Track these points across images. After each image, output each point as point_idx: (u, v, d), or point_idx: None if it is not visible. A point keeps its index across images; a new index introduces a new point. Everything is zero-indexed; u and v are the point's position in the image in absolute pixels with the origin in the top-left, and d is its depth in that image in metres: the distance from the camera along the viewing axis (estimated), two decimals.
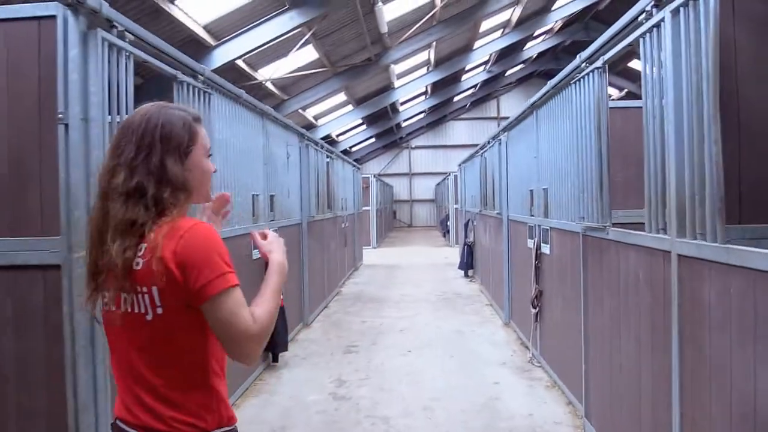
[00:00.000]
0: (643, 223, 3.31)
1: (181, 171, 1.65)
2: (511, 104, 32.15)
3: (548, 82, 5.60)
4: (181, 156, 1.66)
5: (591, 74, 4.16)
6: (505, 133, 8.65)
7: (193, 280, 1.52)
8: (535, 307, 6.51)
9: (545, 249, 6.22)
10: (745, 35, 2.93)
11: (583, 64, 4.42)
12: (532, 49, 24.85)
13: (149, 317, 1.55)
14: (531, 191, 7.01)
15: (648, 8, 3.14)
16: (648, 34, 3.15)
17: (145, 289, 1.54)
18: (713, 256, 2.54)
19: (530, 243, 6.91)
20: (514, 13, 18.30)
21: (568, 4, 19.46)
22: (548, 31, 23.11)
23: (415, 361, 6.79)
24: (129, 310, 1.57)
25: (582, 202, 4.47)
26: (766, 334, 2.23)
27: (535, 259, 6.51)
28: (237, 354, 1.57)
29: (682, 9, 2.78)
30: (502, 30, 20.36)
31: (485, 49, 21.07)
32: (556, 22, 21.33)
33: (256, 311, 1.60)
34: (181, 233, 1.55)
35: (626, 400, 3.70)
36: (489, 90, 31.48)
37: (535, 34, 22.13)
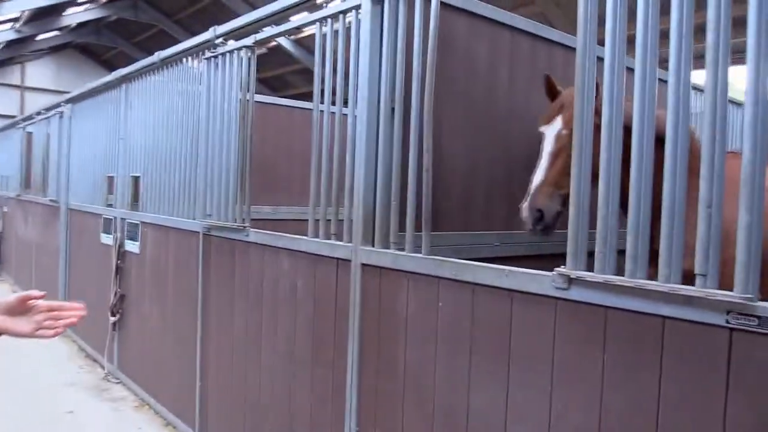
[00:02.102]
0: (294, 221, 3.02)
1: None
2: (38, 73, 28.05)
3: (156, 54, 4.81)
4: None
5: (235, 53, 3.65)
6: (69, 105, 7.26)
7: None
8: (114, 315, 5.57)
9: (132, 247, 5.36)
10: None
11: (219, 40, 3.89)
12: (73, 16, 22.19)
13: None
14: (111, 177, 6.00)
15: None
16: (341, 16, 2.87)
17: None
18: (417, 267, 2.42)
19: (106, 239, 5.90)
20: None
21: None
22: (94, 0, 21.01)
23: None
24: None
25: (209, 197, 3.92)
26: (479, 343, 2.20)
27: (117, 258, 5.58)
28: None
29: None
30: None
31: (18, 3, 17.74)
32: None
33: None
34: None
35: (271, 418, 3.35)
36: (13, 53, 26.78)
37: (79, 0, 19.80)
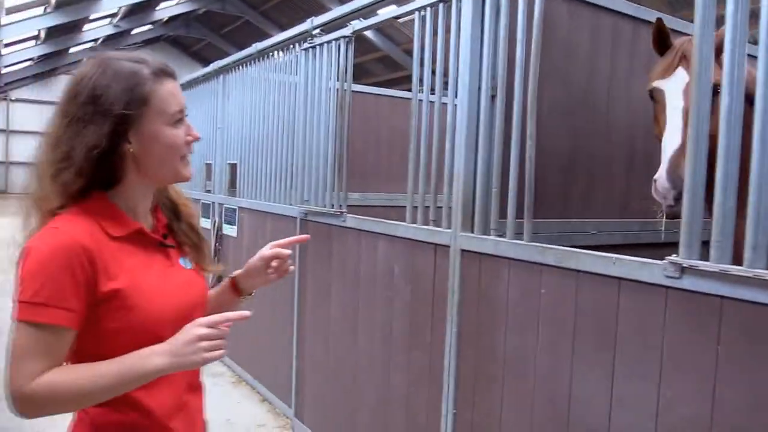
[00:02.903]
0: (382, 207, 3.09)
1: (90, 145, 1.33)
2: None
3: (254, 45, 5.00)
4: (112, 125, 1.35)
5: (333, 43, 3.76)
6: None
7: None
8: None
9: (230, 231, 5.64)
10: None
11: (316, 31, 4.00)
12: (165, 11, 23.22)
13: None
14: (209, 165, 6.31)
15: None
16: (441, 4, 2.90)
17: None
18: (518, 254, 2.44)
19: (205, 223, 6.22)
20: None
21: None
22: None
23: None
24: None
25: (306, 184, 4.07)
26: (583, 331, 2.21)
27: (216, 242, 5.87)
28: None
29: None
30: None
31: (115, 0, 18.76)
32: None
33: (49, 382, 1.26)
34: (34, 236, 1.35)
35: (366, 399, 3.47)
36: (111, 47, 28.37)
37: None
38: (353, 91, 3.72)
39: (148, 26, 26.06)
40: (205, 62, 27.11)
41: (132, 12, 21.93)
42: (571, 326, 2.25)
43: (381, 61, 22.82)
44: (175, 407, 1.48)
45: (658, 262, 1.96)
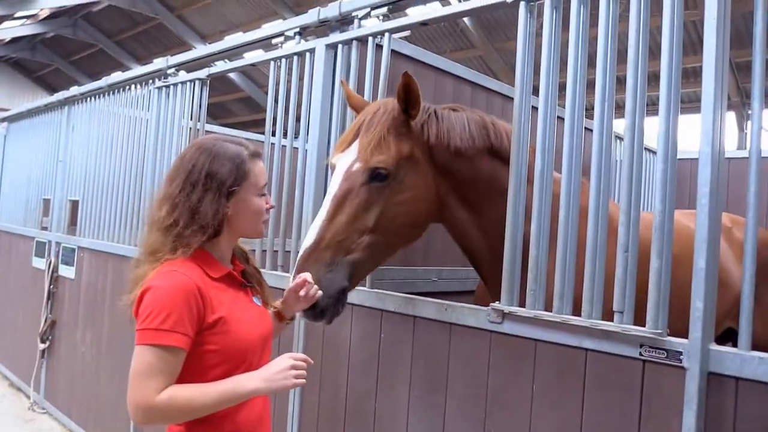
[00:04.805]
0: None
1: (214, 210, 1.73)
2: None
3: (104, 78, 4.80)
4: (224, 195, 1.75)
5: (187, 83, 3.72)
6: (5, 124, 7.08)
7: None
8: (43, 341, 5.39)
9: (67, 272, 5.24)
10: None
11: (171, 71, 3.95)
12: (8, 30, 21.53)
13: None
14: (47, 200, 5.86)
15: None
16: (295, 57, 2.99)
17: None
18: (361, 300, 2.53)
19: (38, 262, 5.75)
20: None
21: None
22: (32, 16, 20.46)
23: None
24: None
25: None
26: (418, 373, 2.32)
27: (50, 283, 5.43)
28: None
29: None
30: None
31: None
32: (43, 9, 19.09)
33: (171, 397, 1.60)
34: (152, 277, 1.69)
35: None
36: None
37: (16, 15, 19.25)
38: (207, 131, 3.69)
39: None
40: (51, 88, 25.37)
41: None
42: (407, 369, 2.36)
43: (243, 102, 22.67)
44: (257, 421, 1.83)
45: (484, 308, 2.14)
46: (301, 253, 2.01)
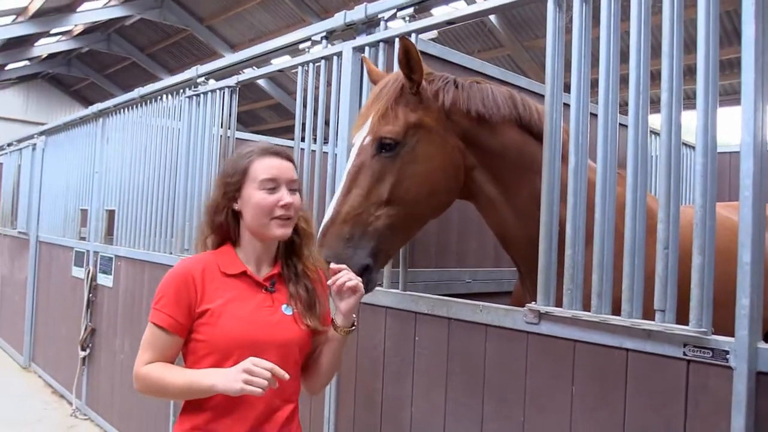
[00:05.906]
0: None
1: (222, 207, 1.87)
2: (6, 101, 27.64)
3: (136, 90, 4.88)
4: (230, 192, 1.85)
5: (217, 92, 3.76)
6: (43, 137, 7.26)
7: None
8: (84, 349, 5.50)
9: (105, 280, 5.35)
10: None
11: (201, 79, 3.99)
12: (45, 47, 22.11)
13: None
14: (84, 211, 5.99)
15: None
16: (323, 61, 3.00)
17: None
18: (394, 302, 2.51)
19: (77, 272, 5.87)
20: (34, 2, 15.92)
21: (94, 9, 18.09)
22: (67, 32, 20.99)
23: None
24: None
25: (187, 232, 3.97)
26: (454, 375, 2.30)
27: (89, 292, 5.54)
28: None
29: None
30: (14, 17, 17.42)
31: None
32: (77, 25, 19.58)
33: (148, 369, 1.78)
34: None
35: None
36: None
37: (51, 32, 19.77)
38: (238, 138, 3.72)
39: (25, 62, 24.62)
40: (87, 102, 25.95)
41: (6, 47, 20.71)
42: (443, 371, 2.33)
43: (273, 109, 22.88)
44: (255, 426, 1.82)
45: (520, 309, 2.10)
46: (320, 229, 2.01)
